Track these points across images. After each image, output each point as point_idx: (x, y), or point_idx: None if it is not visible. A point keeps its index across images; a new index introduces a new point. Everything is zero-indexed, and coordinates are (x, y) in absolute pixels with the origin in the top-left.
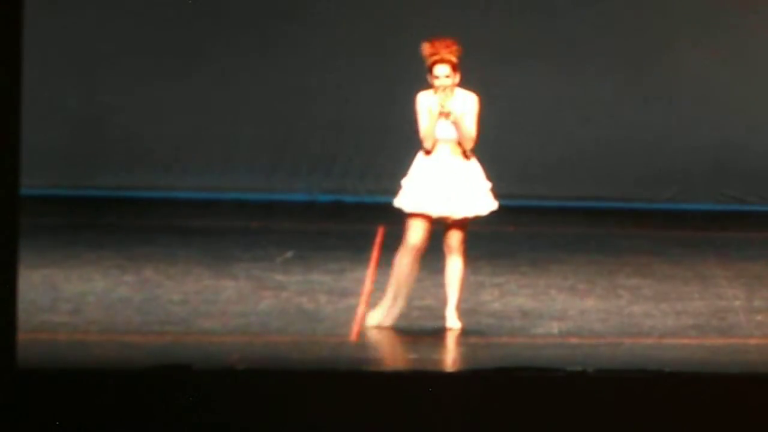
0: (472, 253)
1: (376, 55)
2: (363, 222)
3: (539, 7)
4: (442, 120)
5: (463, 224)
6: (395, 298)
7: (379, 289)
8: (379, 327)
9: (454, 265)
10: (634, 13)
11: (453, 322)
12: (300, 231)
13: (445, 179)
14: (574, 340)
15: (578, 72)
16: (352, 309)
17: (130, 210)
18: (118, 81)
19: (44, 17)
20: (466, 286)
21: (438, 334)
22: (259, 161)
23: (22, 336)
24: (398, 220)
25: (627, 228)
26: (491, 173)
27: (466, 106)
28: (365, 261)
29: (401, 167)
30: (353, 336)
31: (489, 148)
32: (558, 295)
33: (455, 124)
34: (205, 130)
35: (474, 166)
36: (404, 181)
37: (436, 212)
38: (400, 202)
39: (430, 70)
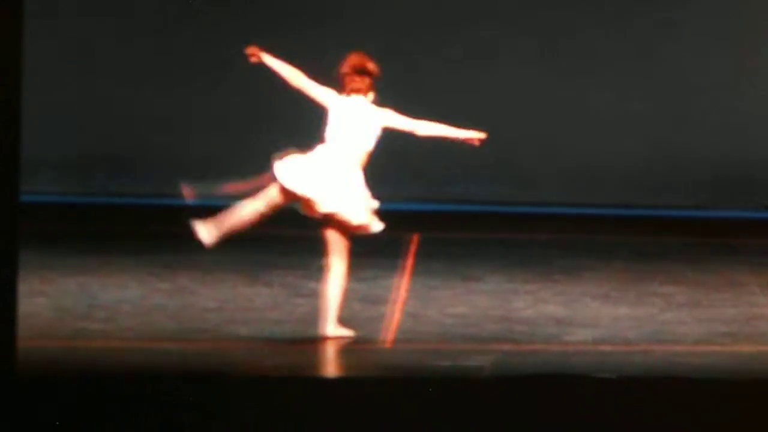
0: (505, 261)
1: (400, 62)
2: (397, 229)
3: (583, 24)
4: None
5: (343, 226)
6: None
7: (413, 296)
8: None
9: (339, 273)
10: (665, 28)
11: (337, 331)
12: None
13: (332, 177)
14: (606, 348)
15: (609, 82)
16: (386, 316)
17: (165, 217)
18: (156, 90)
19: (79, 25)
20: (499, 293)
21: (471, 341)
22: None
23: (58, 343)
24: (432, 227)
25: (659, 235)
26: (527, 180)
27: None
28: (399, 268)
29: (437, 174)
30: (387, 343)
31: (522, 156)
32: (591, 302)
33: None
34: (240, 138)
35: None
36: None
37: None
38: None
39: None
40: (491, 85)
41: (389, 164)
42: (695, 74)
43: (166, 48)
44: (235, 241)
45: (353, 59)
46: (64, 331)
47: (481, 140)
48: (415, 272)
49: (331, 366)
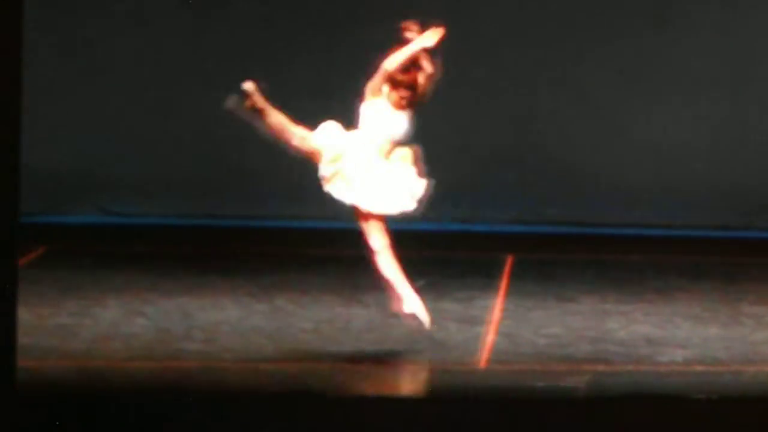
0: (598, 281)
1: (508, 82)
2: (492, 250)
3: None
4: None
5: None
6: None
7: (508, 317)
8: None
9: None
10: None
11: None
12: (430, 259)
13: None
14: (698, 368)
15: (699, 103)
16: (481, 337)
17: (262, 239)
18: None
19: (199, 50)
20: (593, 314)
21: (565, 361)
22: None
23: (157, 364)
24: (528, 249)
25: (751, 256)
26: (619, 202)
27: None
28: (495, 289)
29: (532, 195)
30: (482, 364)
31: (615, 177)
32: (682, 323)
33: None
34: None
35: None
36: None
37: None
38: None
39: None
40: (585, 104)
41: (484, 186)
42: None
43: (267, 70)
44: (331, 263)
45: None
46: (163, 352)
47: None
48: (510, 293)
49: (425, 387)
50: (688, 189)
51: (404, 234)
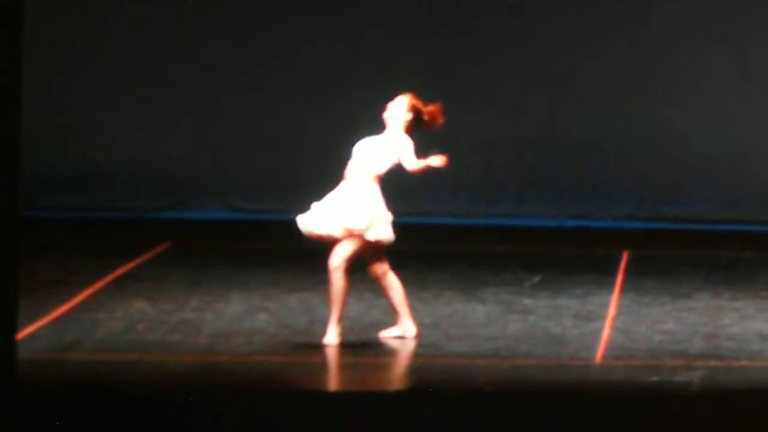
0: (712, 278)
1: (627, 81)
2: (608, 247)
3: None
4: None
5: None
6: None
7: (624, 313)
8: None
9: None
10: None
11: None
12: (547, 256)
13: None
14: None
15: None
16: (597, 333)
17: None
18: (349, 107)
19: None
20: (707, 310)
21: (679, 357)
22: (508, 188)
23: (277, 358)
24: (643, 245)
25: None
26: (734, 199)
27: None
28: (610, 285)
29: (647, 192)
30: (598, 359)
31: (728, 174)
32: None
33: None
34: (453, 157)
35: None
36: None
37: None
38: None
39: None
40: (700, 106)
41: (600, 184)
42: None
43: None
44: (450, 260)
45: None
46: (285, 347)
47: (444, 164)
48: (626, 289)
49: (542, 381)
50: None
51: (522, 231)
